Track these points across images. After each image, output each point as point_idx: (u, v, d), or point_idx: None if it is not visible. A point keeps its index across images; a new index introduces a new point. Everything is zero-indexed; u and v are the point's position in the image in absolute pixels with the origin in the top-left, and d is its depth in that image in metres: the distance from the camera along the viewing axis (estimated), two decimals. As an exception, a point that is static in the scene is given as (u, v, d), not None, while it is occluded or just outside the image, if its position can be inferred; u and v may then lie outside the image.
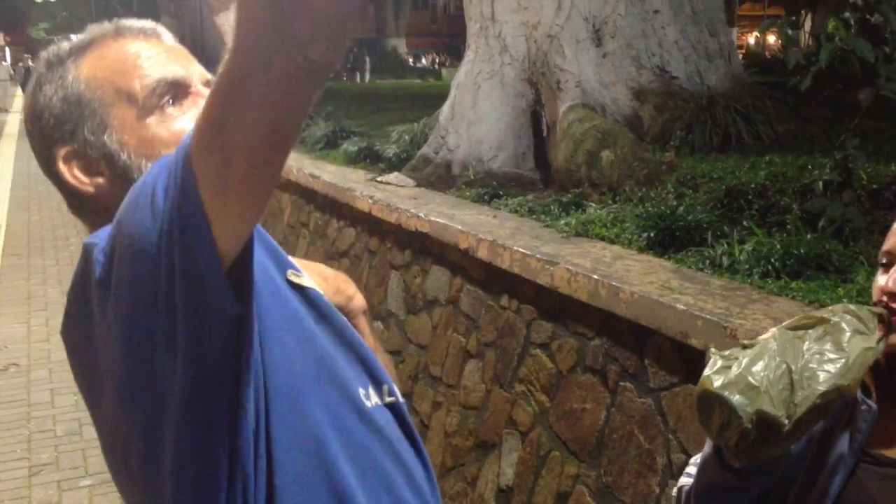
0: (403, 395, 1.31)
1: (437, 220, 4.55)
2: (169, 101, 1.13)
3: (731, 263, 3.35)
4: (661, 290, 3.06)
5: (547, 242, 3.90)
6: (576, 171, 5.19)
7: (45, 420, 5.32)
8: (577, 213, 4.43)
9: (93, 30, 1.18)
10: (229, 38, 0.79)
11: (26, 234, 10.43)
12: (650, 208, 4.02)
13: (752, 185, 4.00)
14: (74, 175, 1.13)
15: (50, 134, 1.14)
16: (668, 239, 3.72)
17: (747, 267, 3.27)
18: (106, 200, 1.11)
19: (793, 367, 1.36)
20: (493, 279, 3.99)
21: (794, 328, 1.42)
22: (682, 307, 2.84)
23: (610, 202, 4.56)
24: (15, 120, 25.69)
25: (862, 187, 3.56)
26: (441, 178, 5.87)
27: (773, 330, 1.46)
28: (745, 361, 1.39)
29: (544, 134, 5.95)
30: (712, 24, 6.07)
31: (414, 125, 7.02)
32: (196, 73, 1.17)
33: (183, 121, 1.12)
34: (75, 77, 1.13)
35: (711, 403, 1.39)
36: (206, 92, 1.13)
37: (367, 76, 22.77)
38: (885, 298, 1.46)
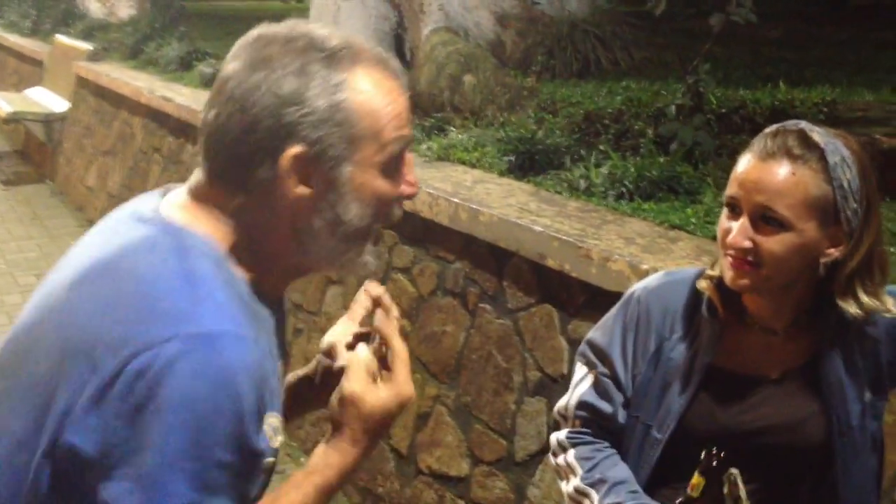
0: None
1: (297, 144, 4.43)
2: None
3: (587, 186, 3.40)
4: (520, 212, 3.08)
5: (408, 166, 3.85)
6: (438, 96, 5.15)
7: None
8: (438, 138, 4.41)
9: (358, 44, 1.12)
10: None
11: None
12: (511, 133, 4.03)
13: (609, 110, 4.07)
14: (289, 174, 1.08)
15: (292, 125, 1.06)
16: (527, 163, 3.75)
17: (603, 189, 3.33)
18: (277, 209, 1.09)
19: None
20: (354, 204, 3.93)
21: None
22: (539, 229, 2.88)
23: (472, 127, 4.55)
24: None
25: (712, 111, 3.67)
26: (301, 102, 5.70)
27: None
28: None
29: (407, 58, 5.86)
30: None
31: (273, 47, 6.78)
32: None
33: (405, 178, 1.15)
34: (348, 90, 1.08)
35: None
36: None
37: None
38: (731, 252, 1.50)
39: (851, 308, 1.51)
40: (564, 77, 5.01)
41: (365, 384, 1.15)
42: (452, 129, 4.57)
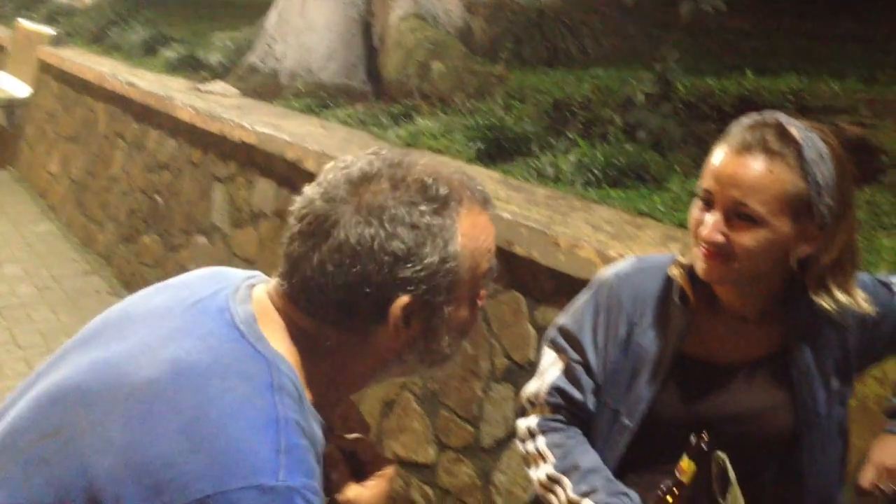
0: None
1: (264, 130, 4.39)
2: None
3: (555, 173, 3.40)
4: (488, 199, 3.06)
5: (376, 153, 3.82)
6: (406, 83, 5.11)
7: None
8: (406, 124, 4.39)
9: (459, 183, 1.11)
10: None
11: None
12: (479, 120, 4.03)
13: (578, 98, 4.06)
14: (399, 324, 1.08)
15: (404, 280, 1.06)
16: (496, 150, 3.74)
17: (571, 177, 3.32)
18: (371, 347, 1.10)
19: None
20: (321, 190, 3.89)
21: None
22: (507, 216, 2.86)
23: (440, 113, 4.53)
24: None
25: (679, 100, 3.67)
26: (268, 88, 5.65)
27: None
28: None
29: (376, 44, 5.82)
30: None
31: (239, 32, 6.71)
32: None
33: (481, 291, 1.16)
34: (456, 239, 1.08)
35: None
36: None
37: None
38: (703, 245, 1.49)
39: (825, 303, 1.50)
40: (533, 65, 5.00)
41: (353, 488, 1.15)
42: (420, 115, 4.54)
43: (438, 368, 1.17)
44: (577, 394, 1.65)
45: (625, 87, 4.01)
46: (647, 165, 3.30)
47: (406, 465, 3.22)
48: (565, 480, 1.60)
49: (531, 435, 1.68)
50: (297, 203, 1.10)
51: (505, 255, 2.88)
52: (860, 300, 1.53)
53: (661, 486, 1.45)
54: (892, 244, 2.40)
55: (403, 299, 1.06)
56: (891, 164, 2.96)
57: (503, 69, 4.86)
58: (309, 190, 1.10)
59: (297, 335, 1.09)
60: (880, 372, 1.79)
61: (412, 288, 1.06)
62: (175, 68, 6.56)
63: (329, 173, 1.10)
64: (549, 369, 1.69)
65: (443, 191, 1.08)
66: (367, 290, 1.05)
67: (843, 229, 1.50)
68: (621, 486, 1.57)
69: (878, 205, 2.70)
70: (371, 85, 5.70)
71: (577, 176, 3.31)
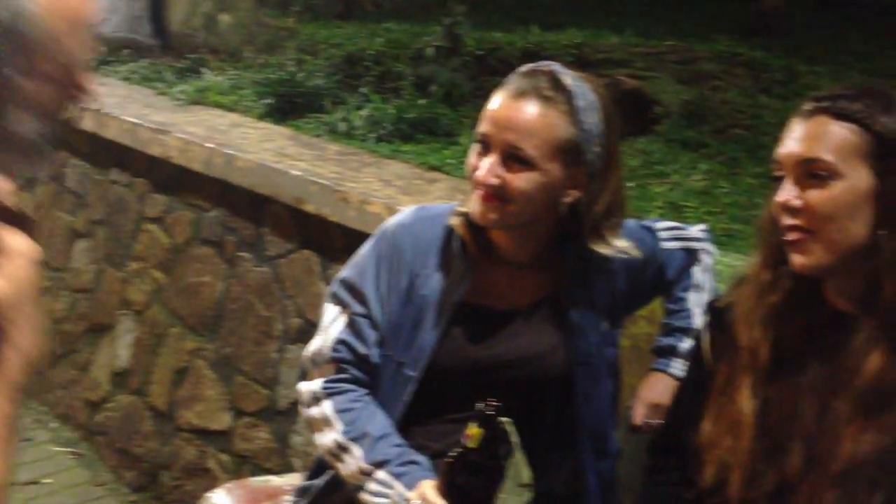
0: None
1: (34, 87, 4.09)
2: None
3: (347, 129, 3.36)
4: (278, 157, 2.99)
5: (159, 111, 3.66)
6: (192, 36, 4.91)
7: None
8: (194, 80, 4.21)
9: None
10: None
11: None
12: (270, 75, 3.93)
13: (371, 52, 4.02)
14: None
15: None
16: (287, 106, 3.65)
17: (363, 132, 3.30)
18: None
19: None
20: (101, 151, 3.68)
21: None
22: (297, 173, 2.80)
23: (229, 68, 4.38)
24: None
25: (469, 54, 3.71)
26: (41, 42, 5.26)
27: None
28: None
29: (160, -4, 5.54)
30: None
31: (7, -19, 6.21)
32: None
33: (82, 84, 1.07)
34: None
35: None
36: None
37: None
38: (480, 190, 1.50)
39: (595, 249, 1.56)
40: (325, 18, 4.92)
41: None
42: (208, 70, 4.38)
43: (25, 161, 1.07)
44: (361, 347, 1.63)
45: (416, 40, 4.01)
46: (438, 119, 3.32)
47: (200, 433, 3.13)
48: (355, 449, 1.57)
49: (316, 399, 1.64)
50: None
51: (295, 214, 2.83)
52: (627, 246, 1.59)
53: (450, 453, 1.46)
54: (662, 191, 2.53)
55: None
56: (664, 115, 3.12)
57: (294, 22, 4.76)
58: None
59: None
60: (649, 312, 1.88)
61: None
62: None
63: None
64: (333, 324, 1.66)
65: None
66: None
67: (610, 177, 1.56)
68: (412, 454, 1.56)
69: (651, 153, 2.84)
70: (158, 39, 5.42)
71: (368, 131, 3.29)
